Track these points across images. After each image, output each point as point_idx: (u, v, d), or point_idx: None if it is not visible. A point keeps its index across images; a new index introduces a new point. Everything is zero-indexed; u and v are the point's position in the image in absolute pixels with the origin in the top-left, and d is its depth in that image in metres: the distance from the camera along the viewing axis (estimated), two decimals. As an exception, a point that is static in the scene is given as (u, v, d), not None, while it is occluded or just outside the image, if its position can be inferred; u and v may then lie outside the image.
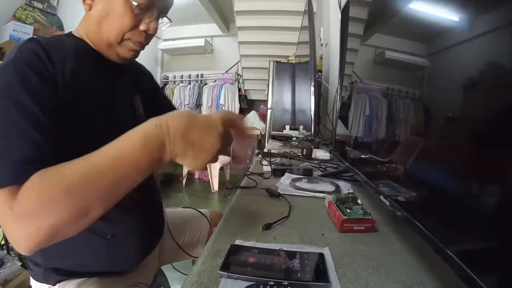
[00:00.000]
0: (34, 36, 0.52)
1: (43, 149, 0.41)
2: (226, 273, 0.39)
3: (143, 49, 0.61)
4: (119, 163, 0.37)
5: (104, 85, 0.59)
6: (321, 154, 1.35)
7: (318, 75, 1.94)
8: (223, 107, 4.52)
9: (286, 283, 0.37)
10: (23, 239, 0.36)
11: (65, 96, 0.48)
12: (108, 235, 0.58)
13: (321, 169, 1.11)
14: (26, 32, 2.86)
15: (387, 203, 0.51)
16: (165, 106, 0.86)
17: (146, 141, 0.38)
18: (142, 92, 0.73)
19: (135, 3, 0.53)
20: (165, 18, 0.62)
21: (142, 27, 0.56)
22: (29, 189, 0.36)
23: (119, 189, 0.38)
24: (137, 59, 0.66)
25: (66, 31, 3.44)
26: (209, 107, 4.59)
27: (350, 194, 0.63)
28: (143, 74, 0.81)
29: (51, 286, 0.59)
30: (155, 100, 0.80)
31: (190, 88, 4.77)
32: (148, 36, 0.59)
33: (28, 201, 0.36)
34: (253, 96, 4.83)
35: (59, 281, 0.59)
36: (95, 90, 0.56)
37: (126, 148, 0.38)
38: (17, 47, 0.47)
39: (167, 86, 4.99)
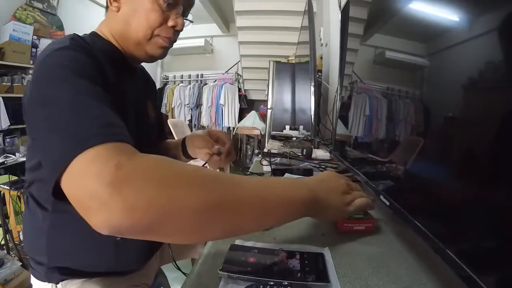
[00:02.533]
0: (74, 34, 0.54)
1: (117, 118, 0.40)
2: (226, 273, 0.39)
3: (171, 46, 0.62)
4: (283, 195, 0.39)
5: (125, 86, 0.60)
6: (321, 154, 1.34)
7: (318, 75, 1.94)
8: (223, 107, 4.53)
9: (286, 283, 0.37)
10: (123, 207, 0.28)
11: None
12: (118, 236, 0.58)
13: (321, 169, 1.11)
14: (26, 32, 2.86)
15: (387, 203, 0.51)
16: (161, 114, 0.91)
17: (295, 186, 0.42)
18: (151, 97, 0.75)
19: None
20: (187, 20, 0.64)
21: (170, 23, 0.58)
22: (156, 160, 0.33)
23: (264, 217, 0.37)
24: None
25: (66, 31, 3.45)
26: (209, 107, 4.59)
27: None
28: (150, 81, 0.82)
29: (53, 284, 0.59)
30: (158, 108, 0.85)
31: (190, 88, 4.77)
32: (176, 32, 0.60)
33: (156, 168, 0.31)
34: (253, 96, 4.83)
35: (62, 280, 0.59)
36: (115, 88, 0.56)
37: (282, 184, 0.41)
38: (67, 38, 0.49)
39: (167, 86, 4.99)
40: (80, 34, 0.59)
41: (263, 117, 4.19)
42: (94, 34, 0.60)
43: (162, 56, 0.62)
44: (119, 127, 0.37)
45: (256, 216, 0.35)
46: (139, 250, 0.64)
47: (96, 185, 0.28)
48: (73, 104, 0.38)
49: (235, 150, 0.73)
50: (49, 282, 0.59)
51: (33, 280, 0.61)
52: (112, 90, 0.50)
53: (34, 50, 3.00)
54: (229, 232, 0.35)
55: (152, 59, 0.62)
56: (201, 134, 0.76)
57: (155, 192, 0.29)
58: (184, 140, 0.80)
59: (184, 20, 0.61)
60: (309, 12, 1.80)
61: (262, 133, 3.83)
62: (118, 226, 0.29)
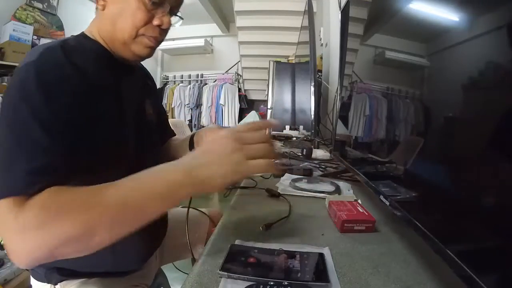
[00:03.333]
0: (59, 40, 0.52)
1: (55, 156, 0.41)
2: (226, 273, 0.39)
3: (158, 45, 0.62)
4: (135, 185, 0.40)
5: (118, 86, 0.59)
6: (321, 154, 1.34)
7: (318, 75, 1.94)
8: (223, 107, 4.52)
9: (286, 283, 0.36)
10: (24, 253, 0.36)
11: (85, 99, 0.48)
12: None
13: (321, 169, 1.11)
14: (26, 32, 2.86)
15: (387, 203, 0.51)
16: (164, 112, 0.91)
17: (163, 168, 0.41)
18: (150, 96, 0.74)
19: None
20: (176, 16, 0.62)
21: (155, 21, 0.57)
22: (43, 202, 0.37)
23: (130, 216, 0.40)
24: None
25: (66, 31, 3.41)
26: (209, 107, 4.59)
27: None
28: (150, 79, 0.81)
29: (52, 285, 0.59)
30: (160, 108, 0.84)
31: (190, 88, 4.77)
32: (162, 31, 0.59)
33: (40, 214, 0.36)
34: (253, 96, 4.83)
35: (61, 281, 0.59)
36: (110, 90, 0.56)
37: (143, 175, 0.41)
38: (41, 49, 0.47)
39: (167, 86, 4.99)
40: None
41: (263, 117, 4.17)
42: (83, 36, 0.59)
43: (150, 55, 0.61)
44: (44, 172, 0.39)
45: (128, 222, 0.40)
46: (137, 250, 0.64)
47: (4, 233, 0.36)
48: (10, 141, 0.40)
49: None
50: (48, 283, 0.59)
51: (33, 281, 0.61)
52: (104, 92, 0.50)
53: (34, 50, 3.00)
54: (118, 235, 0.40)
55: (140, 59, 0.61)
56: (218, 127, 0.75)
57: (44, 236, 0.35)
58: (192, 135, 0.79)
59: (173, 17, 0.61)
60: (309, 12, 1.81)
61: (262, 133, 3.83)
62: (30, 264, 0.37)
